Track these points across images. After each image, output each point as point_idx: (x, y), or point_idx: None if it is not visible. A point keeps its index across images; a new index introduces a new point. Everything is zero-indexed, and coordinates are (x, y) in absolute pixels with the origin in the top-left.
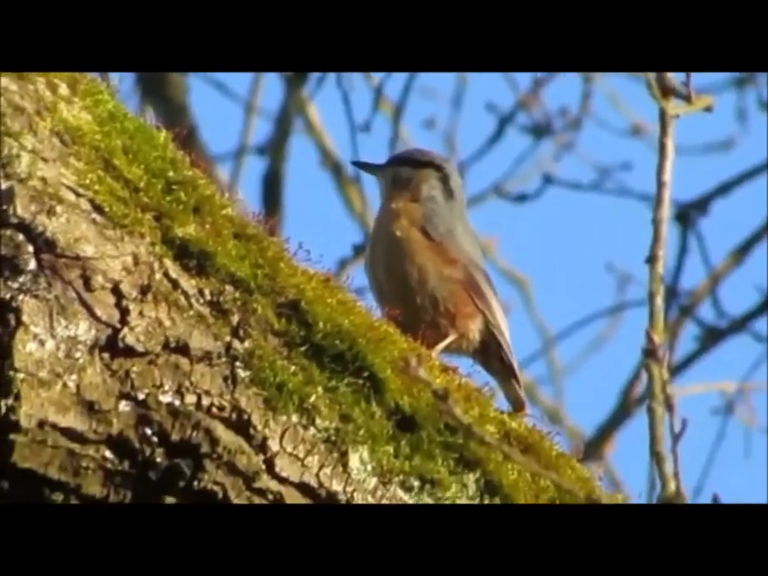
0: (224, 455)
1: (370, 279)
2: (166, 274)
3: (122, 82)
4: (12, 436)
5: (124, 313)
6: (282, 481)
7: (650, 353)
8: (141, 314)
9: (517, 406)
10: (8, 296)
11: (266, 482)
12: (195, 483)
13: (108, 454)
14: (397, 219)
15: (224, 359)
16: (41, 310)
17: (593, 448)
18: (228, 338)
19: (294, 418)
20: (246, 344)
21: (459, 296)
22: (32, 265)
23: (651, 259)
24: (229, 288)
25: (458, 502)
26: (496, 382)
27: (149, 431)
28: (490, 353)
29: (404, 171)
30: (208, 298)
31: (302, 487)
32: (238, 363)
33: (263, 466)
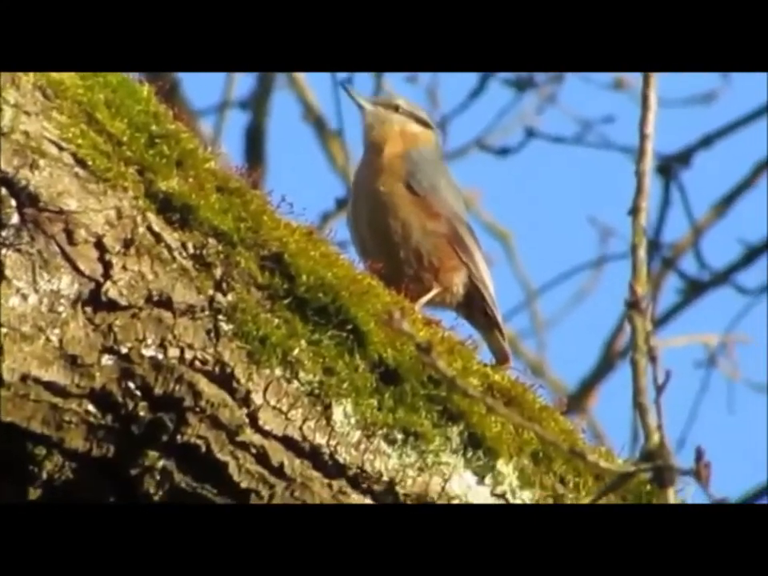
0: (207, 409)
1: (352, 234)
2: (149, 228)
3: None
4: None
5: (107, 266)
6: (266, 434)
7: (633, 305)
8: (124, 267)
9: (500, 359)
10: None
11: (249, 435)
12: (178, 437)
13: (91, 407)
14: (380, 174)
15: (207, 313)
16: (23, 264)
17: (576, 400)
18: (211, 292)
19: (278, 372)
20: (229, 297)
21: (443, 250)
22: (15, 219)
23: (634, 211)
24: (212, 241)
25: (441, 455)
26: (479, 334)
27: (132, 385)
28: (474, 306)
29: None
30: (191, 251)
31: (286, 441)
32: (221, 317)
33: (246, 420)
